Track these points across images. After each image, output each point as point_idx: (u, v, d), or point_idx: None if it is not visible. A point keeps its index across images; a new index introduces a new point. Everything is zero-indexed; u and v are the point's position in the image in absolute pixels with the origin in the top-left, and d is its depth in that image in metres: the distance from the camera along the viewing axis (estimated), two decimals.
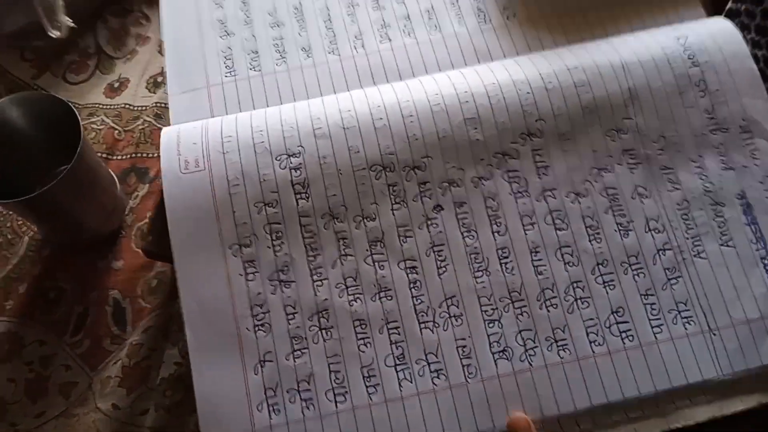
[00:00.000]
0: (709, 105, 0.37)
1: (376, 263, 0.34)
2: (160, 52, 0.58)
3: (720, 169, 0.36)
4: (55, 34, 0.54)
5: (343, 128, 0.35)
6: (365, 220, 0.34)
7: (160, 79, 0.57)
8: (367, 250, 0.34)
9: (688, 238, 0.35)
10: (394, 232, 0.34)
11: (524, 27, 0.41)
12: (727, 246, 0.34)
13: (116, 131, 0.54)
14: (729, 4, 0.49)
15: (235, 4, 0.42)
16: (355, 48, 0.41)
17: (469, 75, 0.37)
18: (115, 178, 0.50)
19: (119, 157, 0.53)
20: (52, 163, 0.49)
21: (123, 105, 0.56)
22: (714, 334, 0.33)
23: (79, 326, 0.47)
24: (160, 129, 0.54)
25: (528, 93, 0.36)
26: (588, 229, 0.35)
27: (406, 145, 0.35)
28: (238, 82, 0.40)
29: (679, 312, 0.33)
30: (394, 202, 0.35)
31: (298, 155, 0.35)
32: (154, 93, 0.56)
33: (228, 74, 0.40)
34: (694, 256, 0.34)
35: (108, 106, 0.56)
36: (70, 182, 0.40)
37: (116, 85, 0.57)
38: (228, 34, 0.41)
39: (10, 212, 0.51)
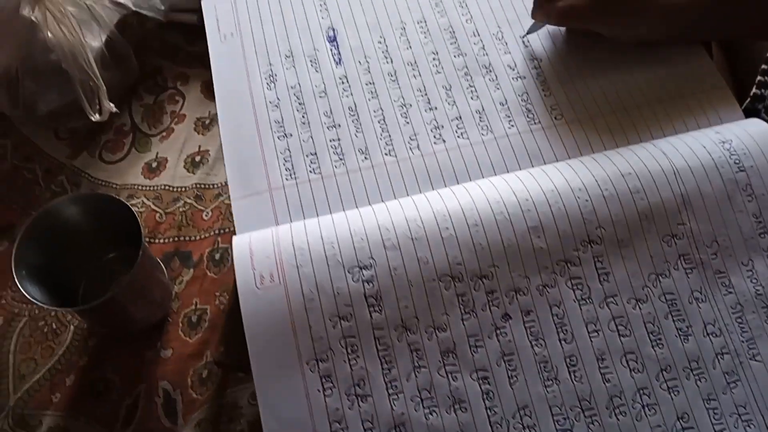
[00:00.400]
0: (757, 209, 0.38)
1: (449, 374, 0.35)
2: (196, 130, 0.59)
3: None
4: (95, 117, 0.54)
5: (412, 239, 0.36)
6: (437, 331, 0.35)
7: (198, 159, 0.58)
8: (439, 361, 0.35)
9: (743, 342, 0.36)
10: (465, 342, 0.35)
11: (572, 126, 0.43)
12: None
13: (157, 214, 0.55)
14: (753, 90, 0.51)
15: (291, 105, 0.44)
16: (411, 149, 0.42)
17: (527, 180, 0.39)
18: (163, 267, 0.50)
19: (161, 241, 0.54)
20: (100, 248, 0.49)
21: (162, 186, 0.56)
22: None
23: (129, 419, 0.47)
24: (202, 211, 0.55)
25: (587, 200, 0.37)
26: (650, 335, 0.36)
27: (473, 254, 0.36)
28: (300, 185, 0.41)
29: (740, 415, 0.35)
30: (463, 312, 0.36)
31: (369, 267, 0.36)
32: (193, 173, 0.57)
33: (288, 177, 0.41)
34: (750, 359, 0.36)
35: (147, 188, 0.56)
36: (130, 287, 0.41)
37: (154, 165, 0.58)
38: (286, 135, 0.43)
39: None
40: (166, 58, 0.62)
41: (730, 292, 0.37)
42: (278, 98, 0.44)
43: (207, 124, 0.60)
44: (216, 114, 0.59)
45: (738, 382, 0.35)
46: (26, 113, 0.57)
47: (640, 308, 0.36)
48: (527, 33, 0.46)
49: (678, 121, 0.43)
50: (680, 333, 0.36)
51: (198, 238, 0.54)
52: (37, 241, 0.42)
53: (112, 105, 0.54)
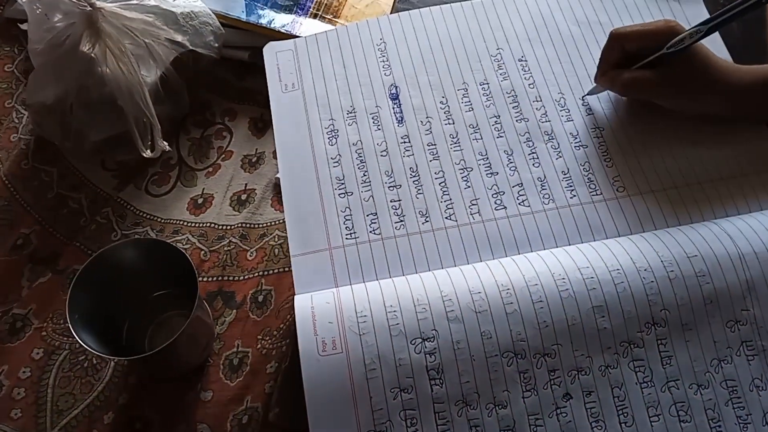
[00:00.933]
0: None
1: None
2: (243, 167, 0.59)
3: None
4: (147, 154, 0.54)
5: (475, 312, 0.36)
6: (497, 408, 0.35)
7: (244, 197, 0.58)
8: (495, 423, 0.35)
9: None
10: (525, 420, 0.35)
11: (634, 199, 0.43)
12: None
13: (202, 251, 0.55)
14: None
15: (352, 162, 0.44)
16: (471, 215, 0.42)
17: (592, 256, 0.38)
18: (208, 308, 0.50)
19: (205, 279, 0.53)
20: (148, 288, 0.49)
21: (208, 224, 0.56)
22: None
23: None
24: (246, 251, 0.55)
25: (652, 282, 0.37)
26: (710, 421, 0.36)
27: (536, 331, 0.36)
28: (359, 245, 0.41)
29: None
30: (524, 389, 0.35)
31: (432, 339, 0.36)
32: (239, 212, 0.57)
33: (348, 236, 0.41)
34: None
35: (193, 224, 0.56)
36: (184, 335, 0.41)
37: (200, 201, 0.58)
38: (347, 193, 0.43)
39: None
40: (215, 92, 0.63)
41: None
42: (340, 154, 0.44)
43: (254, 161, 0.60)
44: (262, 152, 0.60)
45: None
46: (75, 143, 0.57)
47: (701, 394, 0.36)
48: (587, 94, 0.47)
49: (741, 201, 0.43)
50: (740, 421, 0.36)
51: (242, 278, 0.53)
52: (90, 285, 0.42)
53: (165, 143, 0.54)
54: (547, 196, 0.43)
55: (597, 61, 0.45)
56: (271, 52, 0.49)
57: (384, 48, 0.48)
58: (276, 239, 0.55)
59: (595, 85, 0.46)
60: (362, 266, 0.40)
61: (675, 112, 0.45)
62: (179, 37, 0.55)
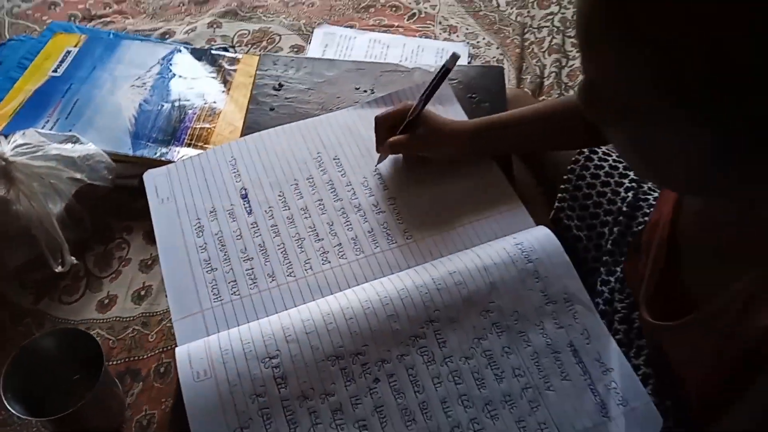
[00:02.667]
0: (543, 287, 0.56)
1: (338, 427, 0.49)
2: (141, 270, 0.74)
3: (555, 328, 0.55)
4: (59, 269, 0.68)
5: (306, 333, 0.52)
6: (327, 397, 0.50)
7: (143, 293, 0.72)
8: (331, 418, 0.49)
9: (540, 378, 0.52)
10: (348, 402, 0.50)
11: (418, 243, 0.61)
12: (566, 380, 0.53)
13: (110, 340, 0.67)
14: (556, 204, 0.72)
15: (215, 247, 0.60)
16: (305, 270, 0.58)
17: (387, 283, 0.55)
18: (118, 383, 0.62)
19: (115, 362, 0.66)
20: (68, 372, 0.61)
21: (114, 318, 0.69)
22: None
23: None
24: (148, 335, 0.68)
25: (426, 293, 0.54)
26: (477, 381, 0.52)
27: (350, 339, 0.52)
28: (224, 305, 0.56)
29: (542, 429, 0.50)
30: (346, 381, 0.51)
31: (276, 357, 0.51)
32: (140, 305, 0.71)
33: (215, 300, 0.56)
34: (546, 389, 0.52)
35: (101, 320, 0.69)
36: (94, 400, 0.53)
37: (106, 301, 0.71)
38: (212, 269, 0.58)
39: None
40: (113, 214, 0.78)
41: (529, 345, 0.54)
42: (205, 243, 0.60)
43: (149, 264, 0.74)
44: (156, 255, 0.75)
45: (539, 406, 0.51)
46: None
47: (468, 363, 0.52)
48: (377, 164, 0.66)
49: (487, 227, 0.62)
50: (497, 377, 0.52)
51: (145, 356, 0.66)
52: (18, 370, 0.54)
53: (73, 258, 0.68)
54: (359, 249, 0.60)
55: None
56: (149, 176, 0.66)
57: (234, 163, 0.66)
58: (167, 323, 0.69)
59: (379, 155, 0.66)
60: (227, 319, 0.55)
61: (433, 162, 0.64)
62: (78, 175, 0.71)
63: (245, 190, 0.64)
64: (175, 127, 0.81)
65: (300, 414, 0.49)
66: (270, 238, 0.61)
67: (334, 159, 0.67)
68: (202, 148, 0.80)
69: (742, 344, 0.43)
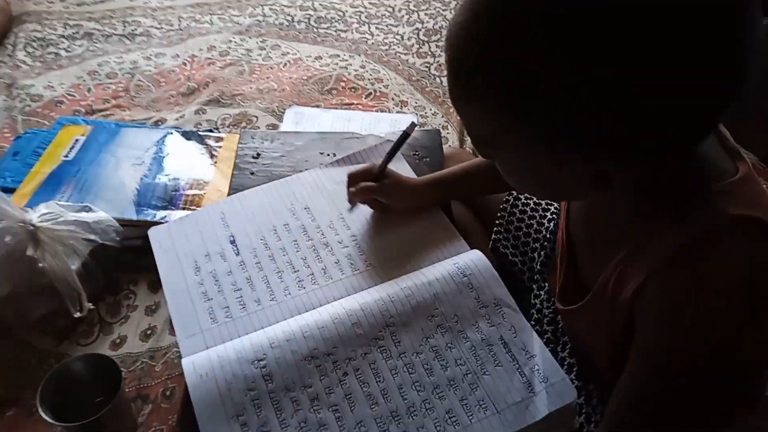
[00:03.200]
0: (477, 295, 0.70)
1: (316, 411, 0.61)
2: (146, 314, 0.86)
3: (488, 326, 0.68)
4: (78, 314, 0.80)
5: (287, 340, 0.65)
6: (306, 388, 0.62)
7: (149, 333, 0.84)
8: (309, 405, 0.61)
9: (478, 366, 0.66)
10: (323, 392, 0.62)
11: (377, 270, 0.75)
12: (499, 366, 0.66)
13: (123, 372, 0.79)
14: (492, 236, 0.87)
15: (210, 282, 0.73)
16: (285, 295, 0.72)
17: (351, 300, 0.69)
18: (132, 405, 0.74)
19: (127, 390, 0.77)
20: (91, 392, 0.72)
21: (125, 353, 0.81)
22: (501, 413, 0.62)
23: None
24: (154, 366, 0.80)
25: (383, 304, 0.68)
26: (426, 370, 0.65)
27: (323, 343, 0.65)
28: (219, 326, 0.69)
29: (480, 405, 0.63)
30: (320, 376, 0.63)
31: (263, 359, 0.63)
32: (147, 342, 0.83)
33: (212, 322, 0.69)
34: (483, 374, 0.65)
35: (114, 356, 0.81)
36: (113, 411, 0.65)
37: (117, 341, 0.83)
38: (209, 299, 0.72)
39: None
40: (121, 270, 0.91)
41: (468, 341, 0.67)
42: (202, 279, 0.74)
43: (153, 309, 0.87)
44: (158, 301, 0.88)
45: (478, 387, 0.64)
46: (22, 320, 0.82)
47: (419, 357, 0.66)
48: (349, 210, 0.80)
49: (432, 254, 0.76)
50: (443, 366, 0.65)
51: (153, 384, 0.78)
52: (52, 386, 0.66)
53: (89, 304, 0.80)
54: (328, 276, 0.74)
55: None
56: (153, 232, 0.80)
57: (223, 216, 0.81)
58: (174, 354, 0.81)
59: (349, 203, 0.81)
60: (222, 336, 0.68)
61: (391, 209, 0.79)
62: (92, 236, 0.85)
63: (233, 236, 0.79)
64: (171, 195, 0.97)
65: (284, 403, 0.61)
66: (255, 273, 0.75)
67: (305, 208, 0.82)
68: (194, 210, 0.95)
69: (621, 315, 0.57)
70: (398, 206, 0.80)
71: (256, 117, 1.21)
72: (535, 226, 0.88)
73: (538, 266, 0.84)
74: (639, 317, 0.54)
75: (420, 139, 0.95)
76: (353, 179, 0.79)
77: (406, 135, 0.77)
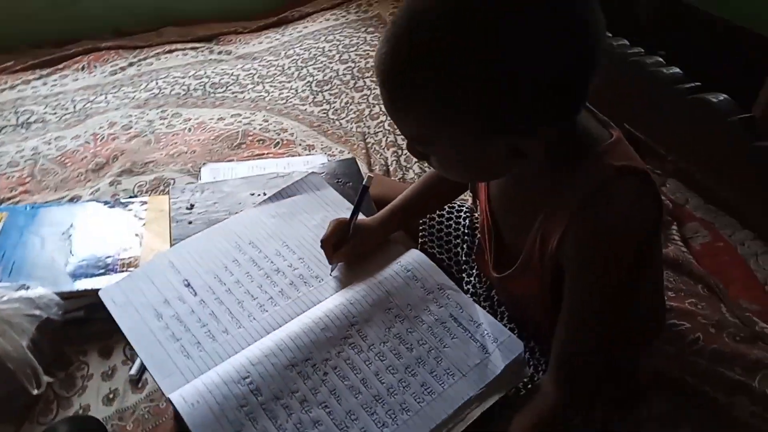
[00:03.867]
0: (422, 285, 0.79)
1: (307, 412, 0.66)
2: (104, 379, 0.86)
3: (437, 308, 0.77)
4: (36, 391, 0.79)
5: (266, 356, 0.70)
6: (293, 394, 0.67)
7: (111, 396, 0.84)
8: (300, 407, 0.66)
9: (437, 342, 0.74)
10: (310, 393, 0.68)
11: (330, 283, 0.82)
12: (455, 338, 0.74)
13: None
14: (419, 240, 0.97)
15: (175, 323, 0.76)
16: (250, 321, 0.77)
17: (315, 310, 0.75)
18: None
19: None
20: None
21: None
22: (466, 376, 0.71)
23: None
24: (125, 425, 0.80)
25: (344, 308, 0.75)
26: (395, 355, 0.72)
27: (299, 351, 0.70)
28: (195, 360, 0.72)
29: (448, 373, 0.71)
30: (304, 380, 0.69)
31: (248, 377, 0.68)
32: (111, 405, 0.83)
33: (187, 359, 0.72)
34: (443, 348, 0.73)
35: None
36: None
37: (80, 411, 0.82)
38: (177, 339, 0.75)
39: None
40: (67, 342, 0.90)
41: (424, 323, 0.76)
42: (166, 323, 0.77)
43: (110, 374, 0.87)
44: (115, 365, 0.88)
45: (442, 360, 0.72)
46: None
47: (386, 345, 0.73)
48: (330, 273, 0.85)
49: (375, 261, 0.85)
50: (408, 348, 0.73)
51: None
52: None
53: (47, 377, 0.79)
54: (286, 296, 0.80)
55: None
56: (104, 293, 0.81)
57: (172, 264, 0.85)
58: (142, 410, 0.82)
59: (331, 266, 0.86)
60: (199, 368, 0.71)
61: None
62: (37, 312, 0.84)
63: (187, 280, 0.83)
64: (106, 261, 0.98)
65: (277, 411, 0.66)
66: (217, 307, 0.79)
67: (249, 243, 0.88)
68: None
69: (549, 268, 0.68)
70: (367, 248, 0.86)
71: (173, 179, 1.24)
72: (453, 225, 1.00)
73: (463, 257, 0.95)
74: (565, 265, 0.65)
75: (338, 169, 1.05)
76: (328, 243, 0.83)
77: (365, 189, 0.84)
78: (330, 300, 0.78)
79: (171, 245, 0.90)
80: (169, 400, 0.67)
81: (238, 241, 0.88)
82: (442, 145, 0.62)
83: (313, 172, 1.00)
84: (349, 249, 0.83)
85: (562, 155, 0.64)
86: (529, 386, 0.74)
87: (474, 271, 0.94)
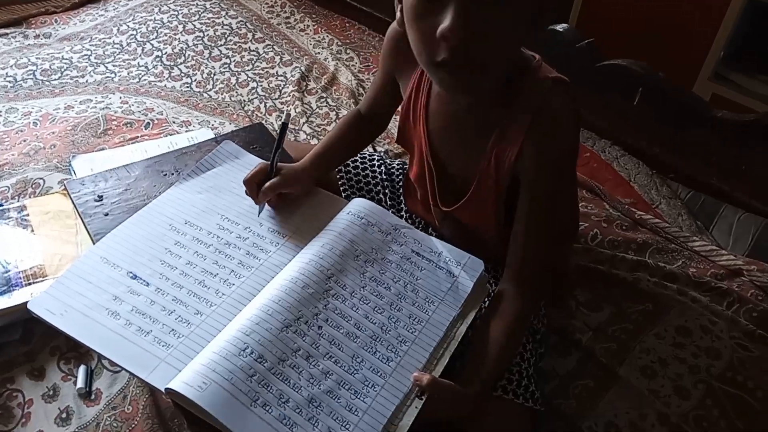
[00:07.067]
0: (377, 229, 0.82)
1: (315, 365, 0.66)
2: (45, 401, 0.76)
3: (399, 246, 0.81)
4: None
5: (257, 324, 0.68)
6: (296, 353, 0.67)
7: (65, 415, 0.75)
8: (306, 363, 0.66)
9: (409, 276, 0.78)
10: (311, 348, 0.68)
11: (289, 243, 0.81)
12: (422, 270, 0.79)
13: None
14: (342, 193, 0.99)
15: (137, 318, 0.70)
16: (219, 297, 0.73)
17: (288, 271, 0.75)
18: None
19: None
20: None
21: None
22: (443, 300, 0.76)
23: None
24: None
25: (316, 263, 0.75)
26: (377, 297, 0.75)
27: (288, 312, 0.69)
28: (177, 348, 0.68)
29: (428, 301, 0.76)
30: (302, 337, 0.68)
31: (246, 348, 0.65)
32: (69, 424, 0.74)
33: (167, 348, 0.67)
34: (416, 280, 0.78)
35: None
36: None
37: None
38: (147, 332, 0.69)
39: None
40: None
41: (392, 262, 0.79)
42: (128, 320, 0.70)
43: (51, 394, 0.77)
44: (55, 383, 0.78)
45: (419, 291, 0.76)
46: None
47: (365, 290, 0.75)
48: (258, 214, 0.83)
49: (324, 216, 0.85)
50: (386, 288, 0.76)
51: None
52: None
53: None
54: (247, 267, 0.77)
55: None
56: (34, 305, 0.71)
57: (107, 260, 0.76)
58: (107, 420, 0.75)
59: (258, 206, 0.84)
60: (185, 354, 0.67)
61: (293, 196, 0.85)
62: None
63: (132, 272, 0.76)
64: (6, 278, 0.85)
65: (287, 372, 0.65)
66: (177, 292, 0.74)
67: (185, 223, 0.83)
68: (42, 280, 0.85)
69: (504, 183, 0.75)
70: (298, 191, 0.86)
71: (42, 179, 1.09)
72: (370, 174, 1.04)
73: (388, 201, 1.00)
74: (522, 172, 0.73)
75: (248, 135, 1.01)
76: (252, 183, 0.82)
77: (284, 126, 0.83)
78: (298, 259, 0.77)
79: (93, 241, 0.81)
80: (168, 392, 0.63)
81: (171, 222, 0.82)
82: (505, 21, 0.62)
83: (226, 141, 0.96)
84: (274, 185, 0.83)
85: (511, 76, 0.71)
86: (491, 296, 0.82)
87: (403, 213, 0.99)
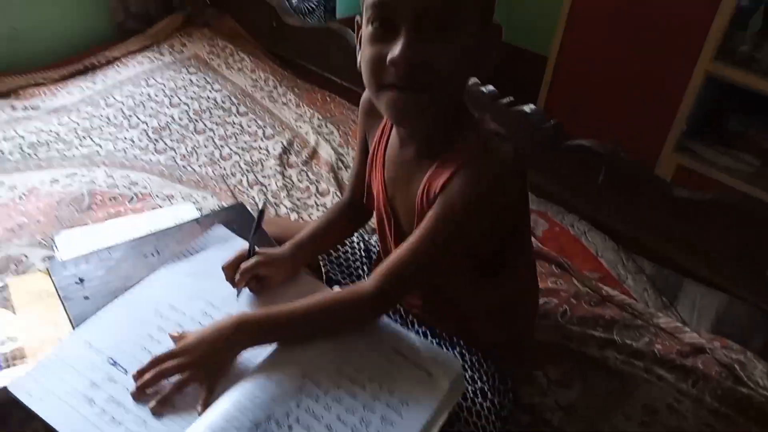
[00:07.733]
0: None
1: None
2: None
3: (378, 342, 0.84)
4: None
5: (228, 421, 0.69)
6: None
7: None
8: None
9: (383, 375, 0.80)
10: None
11: None
12: (401, 368, 0.81)
13: None
14: (323, 270, 1.02)
15: (112, 406, 0.71)
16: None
17: (264, 365, 0.76)
18: None
19: None
20: None
21: None
22: (417, 401, 0.78)
23: None
24: None
25: (293, 356, 0.77)
26: (351, 396, 0.76)
27: (259, 411, 0.71)
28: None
29: (401, 401, 0.78)
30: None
31: None
32: None
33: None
34: (392, 381, 0.80)
35: None
36: None
37: None
38: (119, 423, 0.70)
39: None
40: None
41: (369, 360, 0.81)
42: (102, 408, 0.71)
43: None
44: None
45: (392, 391, 0.78)
46: None
47: (341, 388, 0.77)
48: (237, 297, 0.86)
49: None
50: (361, 387, 0.78)
51: None
52: None
53: None
54: None
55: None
56: (15, 387, 0.72)
57: (90, 345, 0.78)
58: None
59: (236, 290, 0.86)
60: None
61: (272, 283, 0.88)
62: None
63: (112, 359, 0.77)
64: None
65: None
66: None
67: (170, 307, 0.85)
68: (22, 360, 0.86)
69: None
70: (276, 277, 0.89)
71: (25, 255, 1.11)
72: (349, 251, 1.08)
73: (366, 278, 1.03)
74: (436, 202, 0.75)
75: (228, 215, 1.05)
76: (230, 268, 0.85)
77: (261, 212, 0.87)
78: (275, 352, 0.78)
79: (73, 326, 0.83)
80: None
81: (156, 306, 0.85)
82: (458, 36, 0.69)
83: (216, 224, 0.99)
84: (248, 267, 0.85)
85: (456, 116, 0.78)
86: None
87: None
